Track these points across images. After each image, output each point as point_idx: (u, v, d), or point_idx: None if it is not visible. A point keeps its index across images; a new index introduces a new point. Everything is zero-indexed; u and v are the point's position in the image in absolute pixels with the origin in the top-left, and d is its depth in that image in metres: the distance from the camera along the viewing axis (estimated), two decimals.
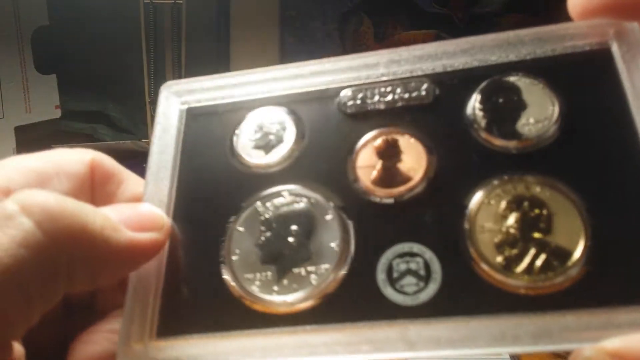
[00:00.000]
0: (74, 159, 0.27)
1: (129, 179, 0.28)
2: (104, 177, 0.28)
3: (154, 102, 0.81)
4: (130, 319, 0.25)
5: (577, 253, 0.22)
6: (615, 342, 0.19)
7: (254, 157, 0.28)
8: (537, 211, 0.23)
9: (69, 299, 0.28)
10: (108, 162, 0.28)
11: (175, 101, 0.31)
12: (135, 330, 0.25)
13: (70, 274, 0.22)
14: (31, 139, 0.84)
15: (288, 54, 0.82)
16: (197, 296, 0.26)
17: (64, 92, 0.84)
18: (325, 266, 0.25)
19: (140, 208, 0.26)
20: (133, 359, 0.24)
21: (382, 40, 0.81)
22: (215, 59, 0.86)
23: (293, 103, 0.29)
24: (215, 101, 0.30)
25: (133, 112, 0.91)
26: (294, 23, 0.81)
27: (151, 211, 0.26)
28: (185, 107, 0.30)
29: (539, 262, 0.22)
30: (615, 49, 0.25)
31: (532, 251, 0.22)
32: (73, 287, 0.22)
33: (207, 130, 0.30)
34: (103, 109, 0.92)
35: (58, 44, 0.88)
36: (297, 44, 0.82)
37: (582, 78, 0.25)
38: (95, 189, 0.27)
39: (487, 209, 0.24)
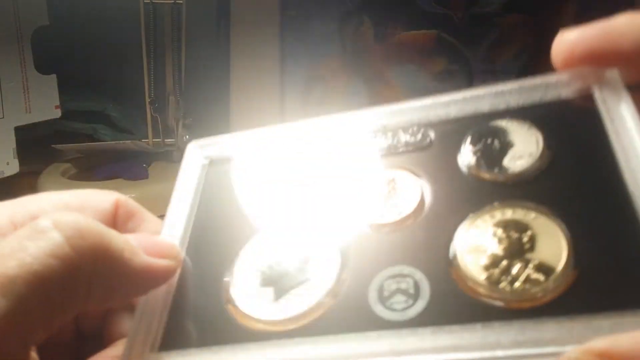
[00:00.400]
0: (100, 197, 0.30)
1: (150, 220, 0.31)
2: (126, 215, 0.31)
3: (153, 102, 0.81)
4: (134, 337, 0.26)
5: (560, 268, 0.23)
6: (601, 342, 0.19)
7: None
8: (521, 232, 0.25)
9: (82, 325, 0.31)
10: (131, 202, 0.31)
11: (199, 158, 0.33)
12: (137, 348, 0.26)
13: (89, 289, 0.24)
14: (31, 139, 0.84)
15: (288, 54, 0.82)
16: (199, 313, 0.27)
17: (64, 92, 0.84)
18: (320, 288, 0.26)
19: (157, 238, 0.29)
20: None
21: (382, 40, 0.81)
22: (215, 59, 0.86)
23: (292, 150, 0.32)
24: (237, 157, 0.33)
25: (133, 112, 0.92)
26: (294, 23, 0.81)
27: (167, 241, 0.29)
28: (208, 160, 0.34)
29: (523, 277, 0.23)
30: (597, 95, 0.26)
31: (517, 267, 0.24)
32: (90, 302, 0.24)
33: (225, 181, 0.33)
34: (103, 109, 0.92)
35: (58, 44, 0.88)
36: (297, 44, 0.82)
37: (567, 121, 0.27)
38: (117, 224, 0.30)
39: (474, 234, 0.25)
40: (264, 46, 0.82)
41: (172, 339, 0.26)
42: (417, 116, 0.30)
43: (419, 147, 0.29)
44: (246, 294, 0.27)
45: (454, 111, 0.30)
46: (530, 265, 0.24)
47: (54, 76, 0.83)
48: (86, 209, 0.29)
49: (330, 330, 0.24)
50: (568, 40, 0.27)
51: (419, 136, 0.30)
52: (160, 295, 0.28)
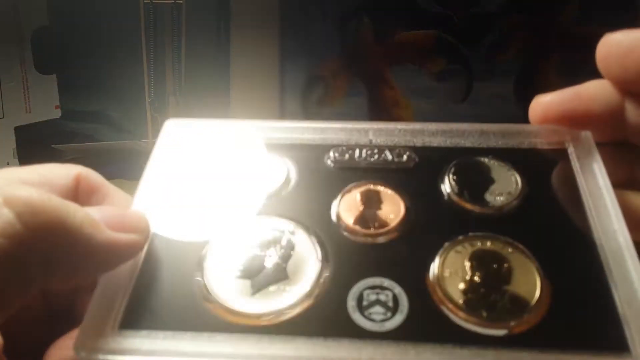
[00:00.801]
0: (60, 171, 0.29)
1: (115, 194, 0.30)
2: (89, 189, 0.29)
3: (153, 102, 0.81)
4: (94, 313, 0.25)
5: (533, 302, 0.25)
6: None
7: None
8: (498, 264, 0.26)
9: (52, 302, 0.29)
10: (94, 177, 0.29)
11: (176, 140, 0.33)
12: (97, 324, 0.25)
13: (47, 267, 0.22)
14: (31, 139, 0.84)
15: (288, 54, 0.82)
16: (165, 295, 0.26)
17: (64, 92, 0.84)
18: (300, 288, 0.26)
19: (123, 210, 0.27)
20: (89, 349, 0.24)
21: (382, 40, 0.81)
22: (215, 59, 0.86)
23: (285, 151, 0.32)
24: (211, 143, 0.33)
25: (133, 112, 0.91)
26: (294, 23, 0.81)
27: (134, 213, 0.27)
28: (183, 141, 0.33)
29: (498, 306, 0.25)
30: (571, 150, 0.30)
31: (493, 297, 0.25)
32: (50, 280, 0.23)
33: (199, 161, 0.32)
34: (103, 109, 0.92)
35: (58, 44, 0.88)
36: (297, 44, 0.82)
37: (543, 169, 0.30)
38: (79, 200, 0.28)
39: (455, 257, 0.27)
40: (264, 46, 0.82)
41: (135, 318, 0.25)
42: (403, 139, 0.32)
43: (402, 167, 0.31)
44: (221, 283, 0.26)
45: (440, 140, 0.32)
46: (506, 296, 0.25)
47: (54, 76, 0.83)
48: (44, 185, 0.27)
49: (306, 331, 0.24)
50: (543, 102, 0.30)
51: (404, 158, 0.31)
52: (126, 270, 0.26)
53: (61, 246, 0.23)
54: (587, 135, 0.30)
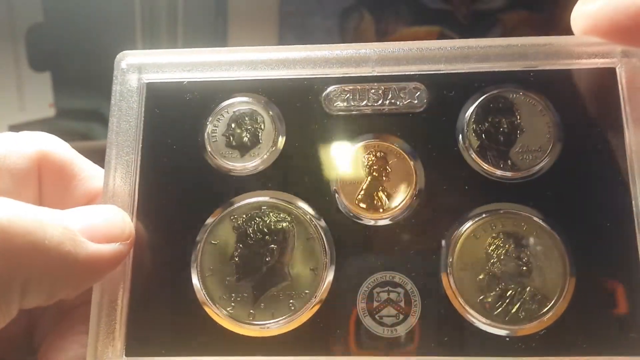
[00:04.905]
0: (18, 153, 0.25)
1: (82, 173, 0.27)
2: (53, 173, 0.26)
3: None
4: (96, 335, 0.24)
5: (554, 300, 0.23)
6: None
7: (229, 159, 0.26)
8: (520, 253, 0.23)
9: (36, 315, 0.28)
10: (58, 154, 0.26)
11: (134, 77, 0.28)
12: (102, 349, 0.24)
13: (24, 293, 0.21)
14: None
15: None
16: (167, 314, 0.24)
17: (59, 90, 0.83)
18: (304, 291, 0.24)
19: (104, 213, 0.25)
20: None
21: (383, 37, 0.80)
22: None
23: (272, 94, 0.26)
24: (181, 79, 0.27)
25: None
26: (293, 19, 0.80)
27: (116, 217, 0.25)
28: (145, 82, 0.28)
29: (517, 306, 0.23)
30: (620, 70, 0.25)
31: (511, 293, 0.23)
32: (28, 304, 0.21)
33: (172, 116, 0.27)
34: (98, 107, 0.91)
35: (52, 41, 0.87)
36: (296, 41, 0.81)
37: (583, 100, 0.25)
38: (44, 187, 0.26)
39: (472, 244, 0.24)
40: (263, 43, 0.81)
41: (140, 338, 0.24)
42: (413, 67, 0.26)
43: (412, 112, 0.26)
44: (222, 290, 0.24)
45: (458, 66, 0.26)
46: (526, 293, 0.23)
47: (48, 74, 0.82)
48: (2, 172, 0.25)
49: (315, 341, 0.23)
50: (589, 12, 0.25)
51: (414, 98, 0.26)
52: (117, 278, 0.25)
53: (38, 268, 0.21)
54: (639, 52, 0.25)
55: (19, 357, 0.26)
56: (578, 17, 0.25)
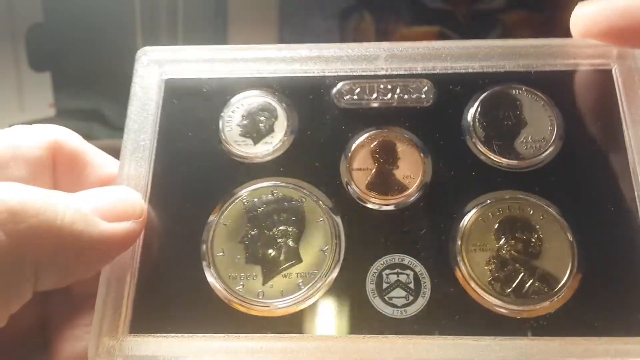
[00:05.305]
0: (32, 143, 0.26)
1: (95, 161, 0.27)
2: (66, 159, 0.26)
3: None
4: (102, 313, 0.24)
5: (564, 280, 0.23)
6: None
7: (242, 146, 0.27)
8: (528, 235, 0.24)
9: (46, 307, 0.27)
10: (71, 143, 0.27)
11: (154, 71, 0.29)
12: (107, 325, 0.24)
13: (38, 274, 0.21)
14: None
15: None
16: (175, 293, 0.24)
17: (59, 90, 0.83)
18: (314, 272, 0.24)
19: (116, 193, 0.25)
20: (104, 355, 0.23)
21: (383, 37, 0.80)
22: None
23: (285, 88, 0.28)
24: (199, 75, 0.29)
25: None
26: (293, 19, 0.80)
27: (128, 197, 0.25)
28: (165, 78, 0.29)
29: (527, 286, 0.23)
30: (616, 72, 0.26)
31: (521, 275, 0.23)
32: (42, 286, 0.21)
33: (189, 108, 0.28)
34: (98, 107, 0.91)
35: (52, 41, 0.87)
36: (296, 40, 0.81)
37: (583, 97, 0.26)
38: (57, 172, 0.26)
39: (480, 227, 0.24)
40: (263, 43, 0.81)
41: (145, 315, 0.24)
42: (420, 65, 0.27)
43: (420, 106, 0.27)
44: (231, 271, 0.24)
45: (463, 65, 0.27)
46: (536, 274, 0.23)
47: (48, 74, 0.82)
48: (17, 161, 0.25)
49: (324, 321, 0.23)
50: (586, 15, 0.26)
51: (422, 93, 0.27)
52: (126, 259, 0.25)
53: (51, 248, 0.21)
54: (635, 52, 0.26)
55: (32, 348, 0.26)
56: (576, 21, 0.26)
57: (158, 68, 0.29)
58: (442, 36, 0.78)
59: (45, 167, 0.26)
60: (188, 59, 0.29)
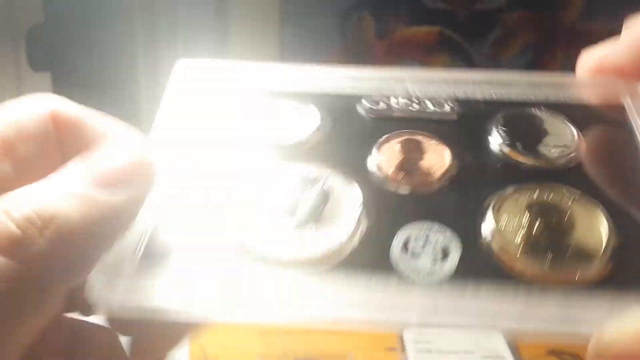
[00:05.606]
0: (33, 117, 0.25)
1: (90, 123, 0.26)
2: (69, 129, 0.25)
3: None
4: (114, 254, 0.22)
5: (601, 251, 0.23)
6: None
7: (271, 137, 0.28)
8: (560, 216, 0.24)
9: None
10: (69, 111, 0.26)
11: (189, 81, 0.30)
12: (114, 265, 0.22)
13: (48, 294, 0.20)
14: None
15: (288, 49, 0.81)
16: (190, 235, 0.24)
17: (59, 90, 0.83)
18: (341, 232, 0.24)
19: (115, 156, 0.24)
20: (106, 291, 0.21)
21: (383, 36, 0.80)
22: (213, 55, 0.85)
23: (319, 99, 0.29)
24: (232, 87, 0.30)
25: (128, 111, 0.91)
26: (293, 19, 0.81)
27: (130, 161, 0.24)
28: (200, 87, 0.30)
29: (559, 256, 0.22)
30: (628, 105, 0.27)
31: (554, 245, 0.23)
32: (71, 280, 0.21)
33: (220, 111, 0.29)
34: (98, 107, 0.91)
35: (52, 41, 0.87)
36: (297, 40, 0.81)
37: (599, 122, 0.28)
38: (62, 142, 0.25)
39: (513, 204, 0.24)
40: (264, 42, 0.81)
41: (156, 258, 0.23)
42: (444, 89, 0.29)
43: (445, 119, 0.28)
44: (259, 223, 0.24)
45: (484, 91, 0.29)
46: (569, 246, 0.23)
47: (48, 74, 0.82)
48: (24, 141, 0.24)
49: (347, 280, 0.22)
50: (596, 57, 0.28)
51: (446, 108, 0.28)
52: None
53: (65, 263, 0.20)
54: None
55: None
56: (583, 64, 0.28)
57: (193, 79, 0.30)
58: (442, 36, 0.79)
59: (51, 139, 0.25)
60: (224, 71, 0.31)
